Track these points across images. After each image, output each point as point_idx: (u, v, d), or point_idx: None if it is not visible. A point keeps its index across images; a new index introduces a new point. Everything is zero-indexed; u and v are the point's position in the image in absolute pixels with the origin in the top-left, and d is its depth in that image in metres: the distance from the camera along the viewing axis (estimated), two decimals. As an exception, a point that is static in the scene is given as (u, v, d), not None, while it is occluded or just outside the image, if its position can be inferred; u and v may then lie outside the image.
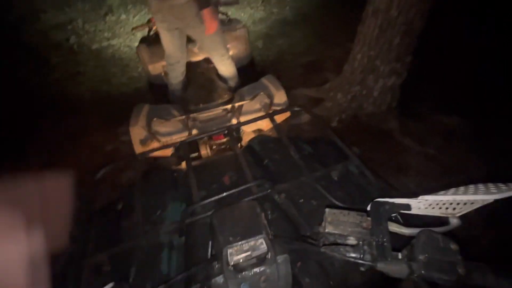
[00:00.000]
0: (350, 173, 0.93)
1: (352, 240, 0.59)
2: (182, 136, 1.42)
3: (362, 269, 0.60)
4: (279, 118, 1.10)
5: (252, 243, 0.56)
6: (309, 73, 3.40)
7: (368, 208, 0.63)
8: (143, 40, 2.21)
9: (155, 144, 1.42)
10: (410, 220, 0.71)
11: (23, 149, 2.59)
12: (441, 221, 0.64)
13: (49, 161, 2.49)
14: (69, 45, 4.07)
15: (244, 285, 0.56)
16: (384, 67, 2.68)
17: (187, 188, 0.91)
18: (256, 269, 0.56)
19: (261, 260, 0.56)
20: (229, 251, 0.55)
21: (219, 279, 0.55)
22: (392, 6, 2.32)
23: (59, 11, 4.54)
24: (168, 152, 1.09)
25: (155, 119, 1.42)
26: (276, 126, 1.04)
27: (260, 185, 0.86)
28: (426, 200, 0.60)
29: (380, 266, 0.55)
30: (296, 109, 1.10)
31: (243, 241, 0.55)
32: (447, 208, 0.61)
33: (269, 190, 0.85)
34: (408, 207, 0.62)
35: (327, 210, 0.63)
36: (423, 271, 0.52)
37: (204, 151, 1.55)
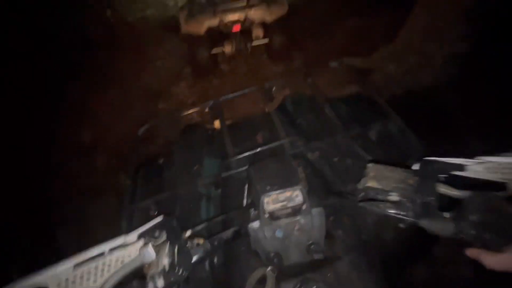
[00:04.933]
0: (390, 133, 0.92)
1: (394, 197, 0.59)
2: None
3: (401, 225, 0.60)
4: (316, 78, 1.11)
5: (288, 193, 0.61)
6: (355, 40, 3.21)
7: (416, 167, 0.62)
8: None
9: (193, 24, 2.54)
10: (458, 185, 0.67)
11: (72, 121, 2.91)
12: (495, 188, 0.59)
13: (96, 132, 2.79)
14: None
15: (279, 231, 0.62)
16: (449, 32, 2.44)
17: (222, 145, 1.00)
18: (291, 219, 0.62)
19: (296, 210, 0.62)
20: (266, 200, 0.61)
21: (255, 224, 0.63)
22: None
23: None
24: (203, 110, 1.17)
25: None
26: (311, 84, 1.06)
27: (293, 142, 0.90)
28: (484, 161, 0.57)
29: (423, 222, 0.55)
30: (333, 64, 1.09)
31: (280, 190, 0.60)
32: (506, 173, 0.56)
33: (302, 148, 0.89)
34: (461, 167, 0.59)
35: (370, 164, 0.64)
36: (472, 231, 0.51)
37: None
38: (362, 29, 3.23)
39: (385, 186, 0.59)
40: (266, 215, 0.61)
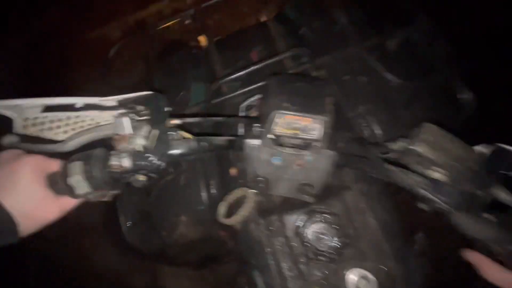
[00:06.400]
0: (412, 42, 0.77)
1: (439, 174, 0.45)
2: None
3: (423, 206, 0.47)
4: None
5: (306, 122, 0.50)
6: None
7: (482, 149, 0.47)
8: None
9: None
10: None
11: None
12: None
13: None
14: None
15: (277, 158, 0.54)
16: None
17: (210, 66, 0.85)
18: (296, 151, 0.52)
19: (306, 144, 0.51)
20: (277, 120, 0.49)
21: (254, 141, 0.53)
22: None
23: None
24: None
25: None
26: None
27: (296, 57, 0.76)
28: None
29: (458, 216, 0.43)
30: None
31: (298, 113, 0.48)
32: None
33: (307, 64, 0.76)
34: None
35: (428, 124, 0.48)
36: None
37: None
38: None
39: (437, 158, 0.45)
40: (271, 136, 0.53)
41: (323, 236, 0.55)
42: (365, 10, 0.84)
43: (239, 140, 0.57)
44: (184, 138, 0.49)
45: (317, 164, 0.53)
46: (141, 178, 0.45)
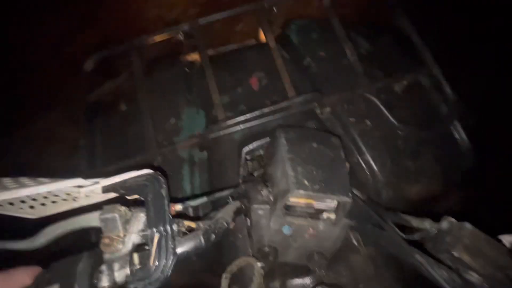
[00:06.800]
0: (420, 86, 0.75)
1: (475, 277, 0.41)
2: None
3: None
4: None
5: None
6: None
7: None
8: None
9: None
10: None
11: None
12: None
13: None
14: None
15: (287, 228, 0.51)
16: None
17: (204, 89, 0.77)
18: (309, 221, 0.50)
19: (319, 213, 0.50)
20: (293, 195, 0.47)
21: (262, 209, 0.52)
22: None
23: None
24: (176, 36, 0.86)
25: None
26: (329, 8, 0.78)
27: (307, 100, 0.71)
28: None
29: None
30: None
31: (321, 194, 0.46)
32: None
33: (315, 104, 0.72)
34: None
35: (469, 226, 0.45)
36: None
37: None
38: None
39: (477, 266, 0.42)
40: (282, 205, 0.49)
41: (329, 306, 0.54)
42: (374, 44, 0.80)
43: (245, 204, 0.53)
44: (187, 230, 0.41)
45: (330, 234, 0.52)
46: None
